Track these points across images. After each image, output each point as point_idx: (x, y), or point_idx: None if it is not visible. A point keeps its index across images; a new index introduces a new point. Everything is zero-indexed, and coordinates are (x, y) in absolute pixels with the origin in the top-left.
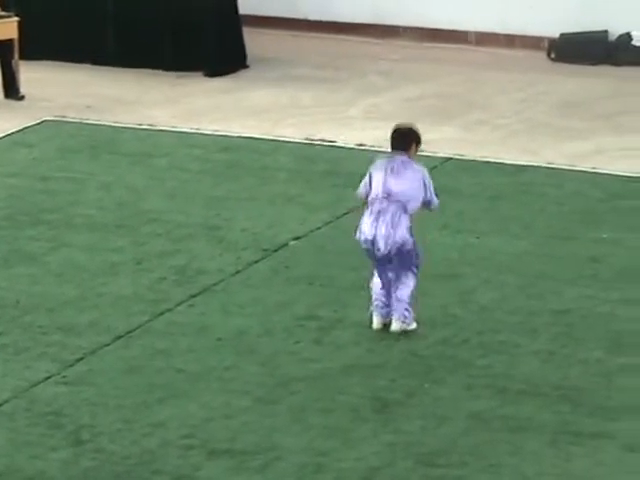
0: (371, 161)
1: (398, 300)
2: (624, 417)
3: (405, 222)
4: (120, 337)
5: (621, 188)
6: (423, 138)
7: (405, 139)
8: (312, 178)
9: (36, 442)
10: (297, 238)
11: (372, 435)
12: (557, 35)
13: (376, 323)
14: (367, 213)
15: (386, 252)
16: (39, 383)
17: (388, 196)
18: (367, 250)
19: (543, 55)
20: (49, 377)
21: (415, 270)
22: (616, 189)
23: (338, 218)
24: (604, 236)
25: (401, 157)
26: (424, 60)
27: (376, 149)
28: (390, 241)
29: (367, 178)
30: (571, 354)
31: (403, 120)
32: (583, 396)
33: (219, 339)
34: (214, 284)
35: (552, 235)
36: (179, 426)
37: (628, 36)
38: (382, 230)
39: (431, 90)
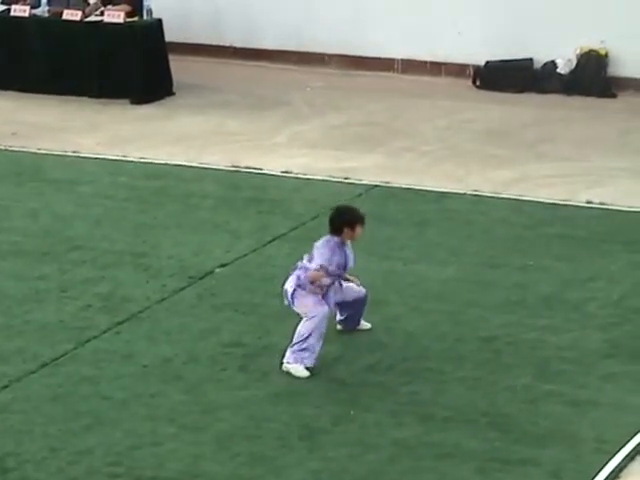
0: (297, 189)
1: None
2: (551, 444)
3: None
4: (46, 364)
5: (546, 215)
6: (349, 165)
7: (334, 224)
8: (238, 205)
9: None
10: (223, 265)
11: (298, 463)
12: (483, 63)
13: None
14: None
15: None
16: None
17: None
18: None
19: (468, 82)
20: None
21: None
22: (541, 216)
23: (264, 245)
24: (530, 263)
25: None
26: (349, 87)
27: (301, 176)
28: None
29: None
30: (498, 381)
31: (328, 147)
32: (510, 423)
33: (145, 366)
34: (140, 311)
35: (479, 262)
36: (105, 454)
37: (553, 64)
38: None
39: (356, 117)
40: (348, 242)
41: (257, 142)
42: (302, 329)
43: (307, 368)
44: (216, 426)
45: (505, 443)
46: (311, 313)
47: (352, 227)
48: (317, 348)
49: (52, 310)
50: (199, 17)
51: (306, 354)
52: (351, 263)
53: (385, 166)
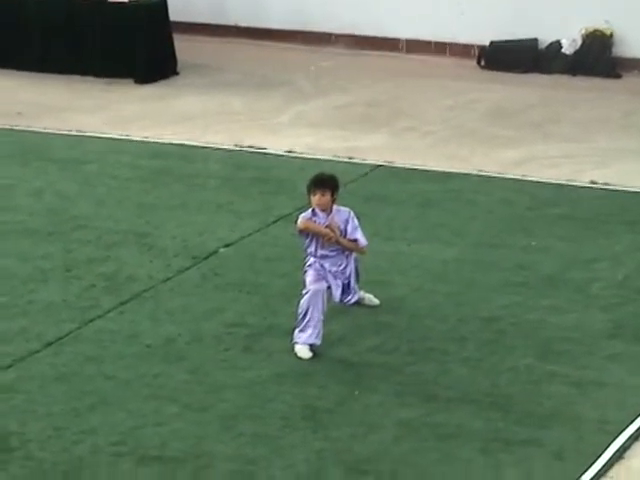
0: (301, 168)
1: None
2: (554, 424)
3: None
4: (50, 344)
5: (550, 195)
6: (353, 144)
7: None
8: (242, 185)
9: None
10: (227, 245)
11: (302, 443)
12: (487, 43)
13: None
14: None
15: None
16: None
17: None
18: None
19: (473, 63)
20: None
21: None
22: (545, 197)
23: (268, 225)
24: (533, 243)
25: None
26: (354, 67)
27: (306, 156)
28: None
29: None
30: (500, 361)
31: (332, 127)
32: (513, 403)
33: (149, 346)
34: (144, 291)
35: (481, 242)
36: (109, 433)
37: (558, 44)
38: None
39: (361, 97)
40: (326, 213)
41: (261, 122)
42: (299, 307)
43: (311, 347)
44: (220, 406)
45: (508, 423)
46: (306, 289)
47: (310, 194)
48: (318, 325)
49: (56, 290)
50: None
51: (308, 332)
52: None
53: (389, 146)
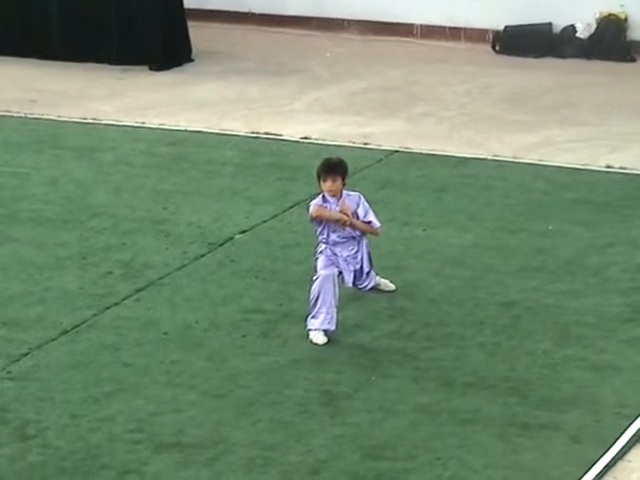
0: (317, 155)
1: None
2: (571, 409)
3: None
4: (66, 332)
5: (567, 180)
6: (369, 130)
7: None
8: (258, 172)
9: None
10: (243, 232)
11: (319, 428)
12: (502, 28)
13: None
14: None
15: None
16: None
17: None
18: None
19: (488, 48)
20: None
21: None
22: (562, 181)
23: (284, 211)
24: (550, 228)
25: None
26: (369, 53)
27: (321, 142)
28: None
29: None
30: (518, 346)
31: (347, 113)
32: (530, 388)
33: (166, 333)
34: (160, 278)
35: (498, 227)
36: (126, 420)
37: (572, 28)
38: None
39: (376, 83)
40: (336, 198)
41: (276, 108)
42: (311, 293)
43: (326, 333)
44: (237, 392)
45: (525, 408)
46: (316, 275)
47: (320, 181)
48: (331, 311)
49: (72, 277)
50: None
51: (320, 318)
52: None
53: (405, 132)
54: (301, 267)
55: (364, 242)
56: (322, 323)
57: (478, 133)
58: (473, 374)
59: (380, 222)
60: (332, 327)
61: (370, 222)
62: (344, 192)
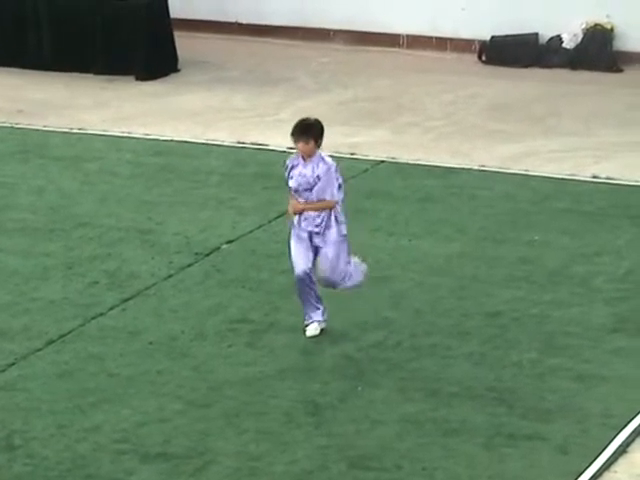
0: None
1: None
2: (557, 419)
3: None
4: (52, 342)
5: (552, 190)
6: (355, 140)
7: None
8: (243, 181)
9: None
10: (229, 242)
11: (305, 439)
12: (488, 38)
13: None
14: None
15: None
16: None
17: None
18: None
19: (474, 58)
20: None
21: None
22: (547, 191)
23: (270, 222)
24: (535, 238)
25: None
26: (355, 63)
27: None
28: None
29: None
30: (504, 356)
31: (333, 123)
32: (516, 398)
33: (151, 343)
34: (146, 288)
35: (484, 237)
36: (112, 430)
37: (559, 39)
38: None
39: (363, 93)
40: (312, 157)
41: (263, 118)
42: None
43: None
44: (223, 402)
45: (511, 418)
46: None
47: (294, 142)
48: (312, 302)
49: (58, 287)
50: None
51: (308, 312)
52: (304, 180)
53: (391, 141)
54: (287, 277)
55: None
56: (313, 315)
57: (464, 143)
58: (459, 384)
59: (338, 194)
60: (318, 318)
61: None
62: (319, 154)
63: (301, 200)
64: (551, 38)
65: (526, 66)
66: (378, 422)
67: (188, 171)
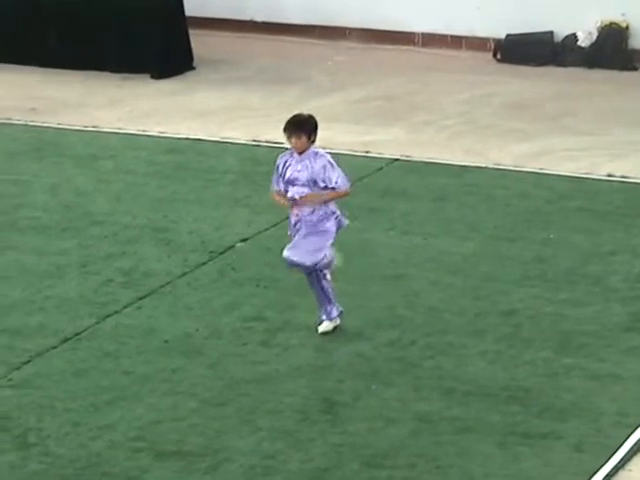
0: None
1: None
2: (572, 417)
3: None
4: (67, 340)
5: (567, 189)
6: (370, 139)
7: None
8: (258, 179)
9: None
10: (244, 240)
11: (319, 437)
12: (503, 36)
13: None
14: None
15: None
16: None
17: None
18: None
19: (489, 56)
20: None
21: None
22: (562, 190)
23: (284, 219)
24: (550, 236)
25: None
26: (370, 62)
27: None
28: None
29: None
30: (518, 355)
31: (348, 121)
32: (531, 397)
33: (166, 341)
34: (161, 286)
35: (499, 236)
36: (127, 428)
37: (574, 37)
38: None
39: (377, 92)
40: (304, 154)
41: (278, 116)
42: None
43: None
44: (238, 401)
45: (526, 417)
46: None
47: (286, 138)
48: (326, 300)
49: (73, 285)
50: None
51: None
52: (296, 176)
53: (406, 140)
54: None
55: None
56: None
57: (479, 142)
58: (473, 383)
59: (347, 182)
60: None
61: (334, 188)
62: (312, 150)
63: (297, 192)
64: (566, 36)
65: (541, 64)
66: (392, 420)
67: (203, 169)
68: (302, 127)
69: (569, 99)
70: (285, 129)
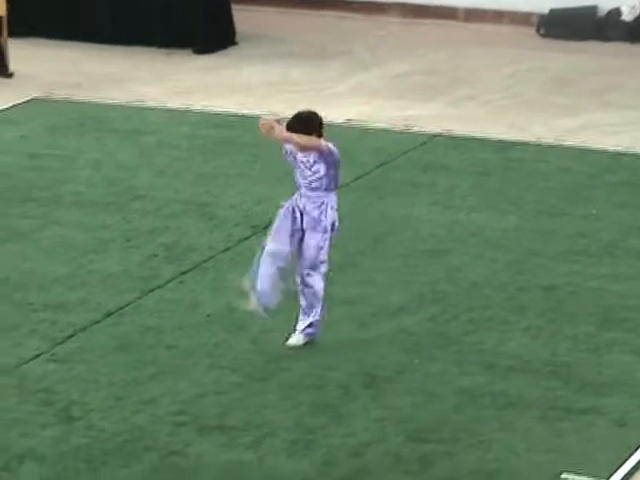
0: (359, 138)
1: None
2: (613, 392)
3: None
4: (110, 314)
5: (609, 163)
6: (412, 113)
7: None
8: None
9: (26, 419)
10: None
11: (362, 411)
12: (546, 11)
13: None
14: None
15: None
16: (29, 360)
17: None
18: None
19: (532, 31)
20: (39, 354)
21: None
22: (604, 164)
23: None
24: (593, 212)
25: None
26: (411, 36)
27: (364, 125)
28: None
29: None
30: (560, 330)
31: (390, 96)
32: (572, 372)
33: (209, 316)
34: (204, 261)
35: (541, 211)
36: (169, 403)
37: (617, 11)
38: None
39: (419, 66)
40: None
41: (319, 91)
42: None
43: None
44: (280, 375)
45: (568, 392)
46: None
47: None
48: (262, 290)
49: (116, 260)
50: None
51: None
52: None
53: (447, 115)
54: (344, 249)
55: (330, 207)
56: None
57: (521, 116)
58: (515, 358)
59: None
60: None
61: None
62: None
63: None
64: (610, 11)
65: (584, 39)
66: (435, 395)
67: (245, 144)
68: (308, 125)
69: (612, 74)
70: (289, 127)
